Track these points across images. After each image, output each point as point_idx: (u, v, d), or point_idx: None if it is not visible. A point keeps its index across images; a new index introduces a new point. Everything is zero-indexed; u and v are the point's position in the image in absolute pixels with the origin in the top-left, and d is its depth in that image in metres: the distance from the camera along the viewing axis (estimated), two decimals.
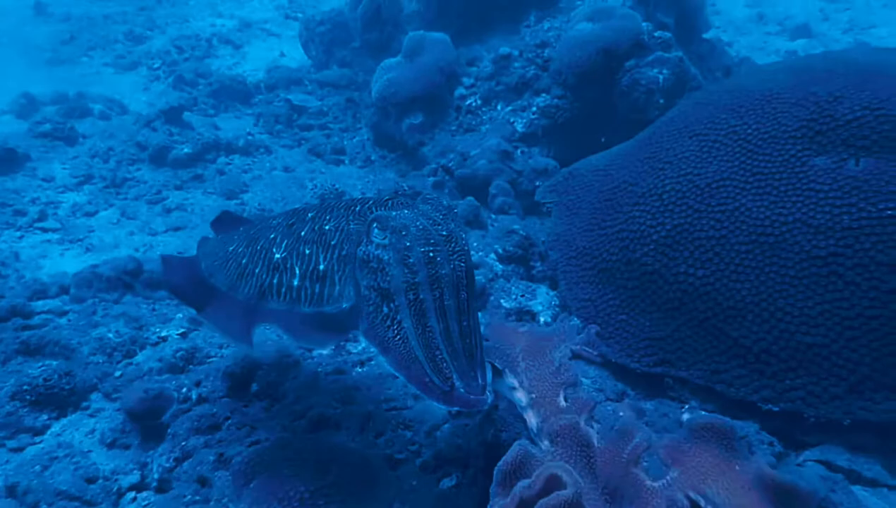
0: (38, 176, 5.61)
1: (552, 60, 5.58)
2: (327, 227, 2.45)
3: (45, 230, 5.05)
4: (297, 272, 2.43)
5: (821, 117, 3.39)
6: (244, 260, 2.61)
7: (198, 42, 8.90)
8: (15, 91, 7.28)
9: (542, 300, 3.82)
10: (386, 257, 2.24)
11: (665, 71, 4.96)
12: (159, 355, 3.40)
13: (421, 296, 2.20)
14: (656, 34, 5.21)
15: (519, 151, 5.51)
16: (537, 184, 5.31)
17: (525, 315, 3.72)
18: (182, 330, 3.71)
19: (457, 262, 2.26)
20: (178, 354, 3.38)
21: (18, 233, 4.98)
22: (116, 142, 6.10)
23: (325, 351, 3.53)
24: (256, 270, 2.54)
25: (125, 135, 6.19)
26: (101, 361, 3.39)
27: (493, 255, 4.30)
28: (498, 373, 2.62)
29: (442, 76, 5.74)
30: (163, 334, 3.68)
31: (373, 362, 3.45)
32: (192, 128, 6.36)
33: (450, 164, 5.54)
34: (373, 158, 6.32)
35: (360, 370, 3.40)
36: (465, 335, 2.21)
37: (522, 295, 3.86)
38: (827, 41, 8.72)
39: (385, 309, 2.23)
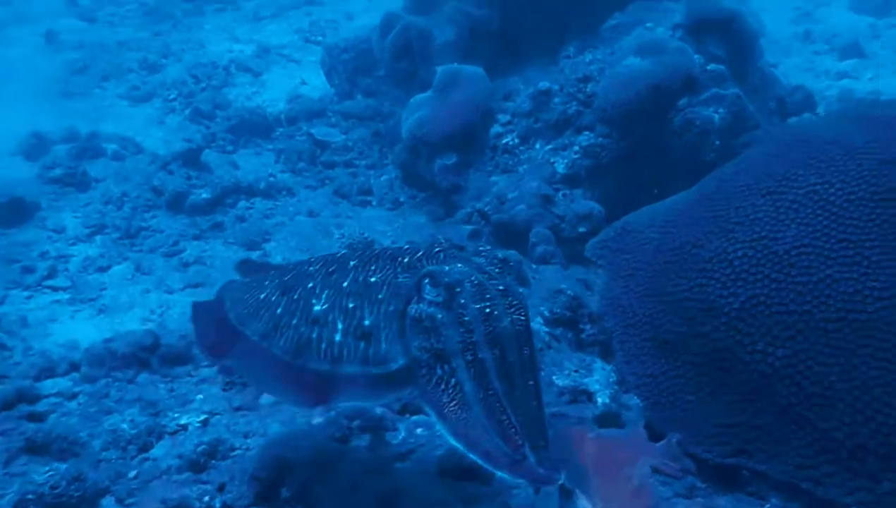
0: (48, 226, 5.39)
1: (596, 96, 5.29)
2: (373, 279, 2.32)
3: (54, 289, 4.83)
4: (340, 327, 2.29)
5: None
6: (279, 310, 2.44)
7: (214, 70, 8.69)
8: (25, 126, 7.07)
9: (599, 377, 3.51)
10: (440, 316, 2.14)
11: (721, 110, 4.66)
12: (179, 450, 3.13)
13: (480, 356, 2.10)
14: (709, 67, 4.91)
15: (560, 194, 5.23)
16: (581, 229, 5.03)
17: (581, 395, 3.41)
18: (203, 416, 3.43)
19: (515, 316, 2.16)
20: (200, 448, 3.10)
21: (26, 294, 4.76)
22: (131, 186, 5.87)
23: (363, 442, 3.22)
24: (293, 322, 2.38)
25: (140, 178, 5.96)
26: (114, 458, 3.12)
27: (539, 319, 4.00)
28: (567, 494, 2.31)
29: (477, 114, 5.48)
30: (182, 421, 3.40)
31: (414, 455, 3.15)
32: (211, 170, 6.13)
33: (486, 208, 5.27)
34: (402, 200, 6.05)
35: (401, 465, 3.10)
36: (532, 397, 2.11)
37: (576, 371, 3.56)
38: (880, 61, 8.34)
39: (439, 371, 2.13)
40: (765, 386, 3.05)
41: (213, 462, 3.11)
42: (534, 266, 4.91)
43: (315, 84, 8.47)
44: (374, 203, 6.06)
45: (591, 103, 5.32)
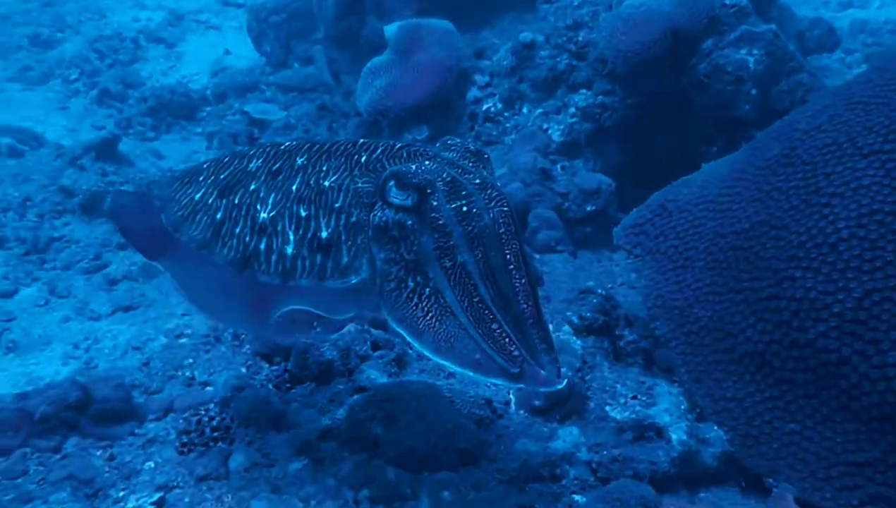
0: None
1: (591, 46, 4.61)
2: (327, 183, 2.12)
3: None
4: (292, 238, 2.13)
5: None
6: (219, 216, 2.26)
7: (121, 43, 7.71)
8: None
9: (667, 404, 2.87)
10: (409, 222, 1.97)
11: (755, 51, 4.03)
12: None
13: (460, 260, 1.93)
14: (728, 2, 4.24)
15: (559, 166, 4.54)
16: (588, 208, 4.40)
17: (648, 431, 2.76)
18: (158, 495, 2.68)
19: (496, 210, 1.97)
20: None
21: None
22: (34, 189, 4.98)
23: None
24: (237, 230, 2.21)
25: (45, 178, 5.06)
26: None
27: (566, 328, 3.34)
28: None
29: (451, 77, 4.75)
30: (130, 505, 2.64)
31: None
32: (131, 163, 5.28)
33: None
34: None
35: None
36: (523, 297, 1.94)
37: (635, 397, 2.91)
38: None
39: (410, 284, 1.97)
40: None
41: None
42: (537, 256, 4.25)
43: (241, 52, 7.61)
44: None
45: (587, 55, 4.64)
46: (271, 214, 2.17)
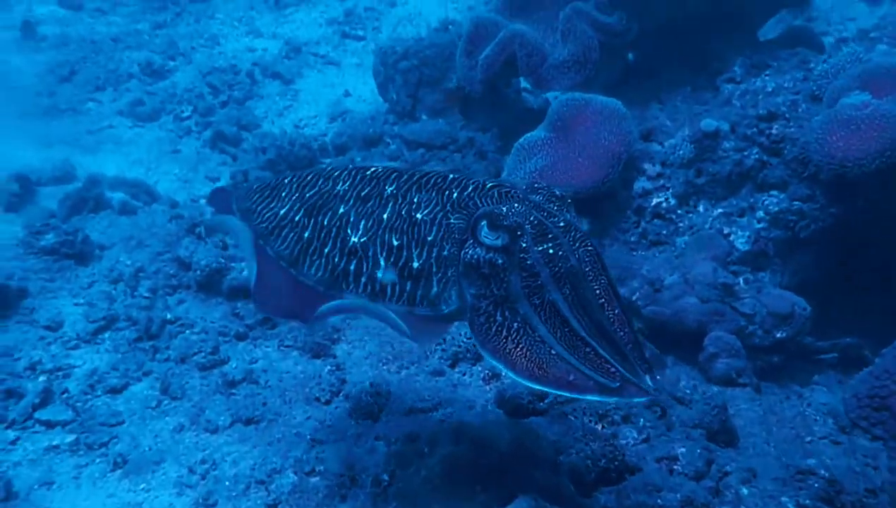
0: (39, 322, 4.27)
1: (788, 141, 4.13)
2: (419, 216, 2.33)
3: (50, 425, 3.74)
4: (383, 264, 2.35)
5: None
6: (306, 234, 2.49)
7: (236, 77, 7.50)
8: (4, 159, 5.94)
9: None
10: (500, 261, 2.17)
11: None
12: None
13: (549, 298, 2.13)
14: None
15: (741, 280, 4.07)
16: (778, 335, 3.91)
17: None
18: None
19: (581, 250, 2.18)
20: None
21: (12, 435, 3.64)
22: (147, 256, 4.74)
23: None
24: (325, 250, 2.44)
25: (159, 244, 4.83)
26: None
27: None
28: None
29: (619, 166, 4.31)
30: None
31: None
32: None
33: (634, 297, 4.14)
34: None
35: None
36: (619, 326, 2.12)
37: None
38: None
39: (499, 318, 2.16)
40: None
41: None
42: (714, 388, 3.80)
43: (362, 94, 7.31)
44: None
45: (782, 152, 4.18)
46: (362, 239, 2.38)
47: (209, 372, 4.03)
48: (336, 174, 2.61)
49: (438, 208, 2.32)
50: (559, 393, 2.07)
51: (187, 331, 4.28)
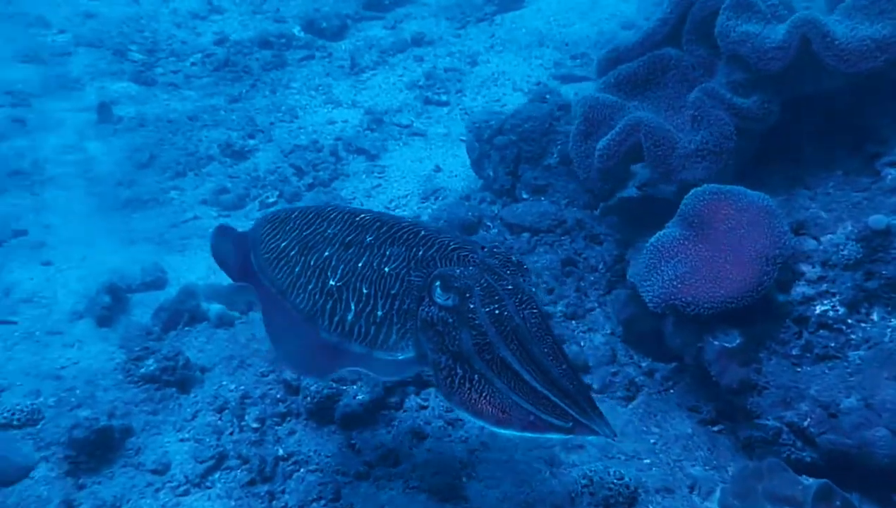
0: (145, 465, 4.06)
1: None
2: (387, 270, 2.65)
3: None
4: (353, 308, 2.67)
5: None
6: (297, 269, 2.87)
7: (319, 154, 7.28)
8: (87, 264, 5.81)
9: None
10: (451, 320, 2.43)
11: None
12: None
13: (500, 354, 2.36)
14: None
15: None
16: None
17: None
18: None
19: (527, 312, 2.42)
20: None
21: None
22: (251, 380, 4.51)
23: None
24: (309, 287, 2.80)
25: (262, 362, 4.61)
26: None
27: None
28: None
29: (772, 270, 3.92)
30: None
31: None
32: None
33: (805, 424, 3.76)
34: (638, 380, 4.54)
35: None
36: (568, 379, 2.33)
37: None
38: None
39: (460, 371, 2.41)
40: None
41: None
42: None
43: (452, 168, 7.03)
44: (594, 385, 4.55)
45: None
46: (338, 284, 2.72)
47: None
48: (332, 215, 2.98)
49: (404, 264, 2.63)
50: (523, 434, 2.30)
51: (302, 470, 4.01)
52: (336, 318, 2.67)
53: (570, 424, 2.26)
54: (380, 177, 7.03)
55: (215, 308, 5.03)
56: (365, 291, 2.64)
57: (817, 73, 4.33)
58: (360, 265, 2.70)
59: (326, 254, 2.81)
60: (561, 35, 9.30)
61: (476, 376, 2.36)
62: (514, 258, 2.60)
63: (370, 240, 2.75)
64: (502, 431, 2.30)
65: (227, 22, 10.43)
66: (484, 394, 2.33)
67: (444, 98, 8.20)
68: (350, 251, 2.76)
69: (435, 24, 9.96)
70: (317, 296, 2.74)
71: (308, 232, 2.95)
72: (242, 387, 4.46)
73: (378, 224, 2.82)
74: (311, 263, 2.82)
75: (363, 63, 9.06)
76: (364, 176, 7.06)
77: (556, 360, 2.35)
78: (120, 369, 4.57)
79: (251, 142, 7.64)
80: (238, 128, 7.88)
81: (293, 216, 3.11)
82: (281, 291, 2.85)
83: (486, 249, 2.61)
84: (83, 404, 4.30)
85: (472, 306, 2.39)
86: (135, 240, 6.23)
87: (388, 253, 2.68)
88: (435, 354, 2.45)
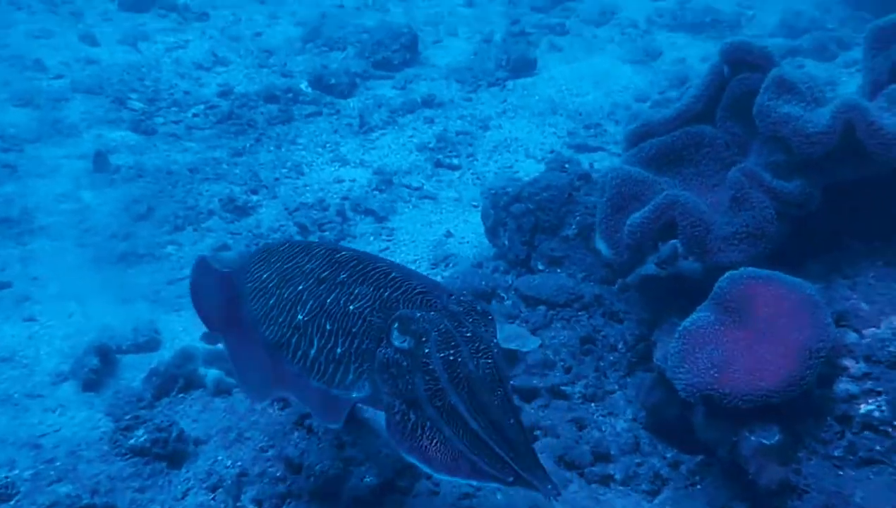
0: None
1: None
2: (351, 308, 2.68)
3: None
4: (315, 344, 2.73)
5: None
6: (271, 301, 2.93)
7: (325, 214, 7.08)
8: (76, 322, 5.55)
9: None
10: (405, 363, 2.48)
11: None
12: None
13: (450, 401, 2.40)
14: None
15: None
16: None
17: None
18: None
19: (482, 360, 2.44)
20: None
21: None
22: (249, 455, 4.23)
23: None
24: (280, 319, 2.86)
25: (262, 436, 4.32)
26: None
27: None
28: None
29: (816, 365, 3.71)
30: None
31: None
32: (361, 423, 4.43)
33: None
34: (663, 473, 4.30)
35: None
36: (514, 433, 2.37)
37: None
38: None
39: (413, 417, 2.45)
40: None
41: None
42: None
43: (463, 234, 6.84)
44: (616, 476, 4.29)
45: None
46: (305, 319, 2.77)
47: None
48: (315, 251, 3.00)
49: (368, 304, 2.66)
50: (469, 482, 2.40)
51: None
52: (300, 353, 2.73)
53: (511, 478, 2.30)
54: (388, 240, 6.83)
55: (213, 373, 4.76)
56: (328, 328, 2.69)
57: (859, 159, 4.18)
58: (328, 301, 2.74)
59: (300, 287, 2.85)
60: (574, 104, 9.23)
61: (428, 423, 2.40)
62: (479, 307, 2.63)
63: (343, 278, 2.77)
64: (450, 478, 2.36)
65: (231, 74, 10.28)
66: (434, 441, 2.37)
67: (455, 161, 8.04)
68: (322, 287, 2.79)
69: (445, 86, 9.88)
70: (285, 329, 2.80)
71: (289, 265, 2.99)
72: (239, 463, 4.17)
73: (354, 262, 2.84)
74: (285, 296, 2.87)
75: (372, 122, 8.92)
76: (371, 238, 6.86)
77: (505, 412, 2.38)
78: (106, 439, 4.27)
79: (254, 197, 7.44)
80: (241, 182, 7.69)
81: (281, 249, 3.17)
82: (255, 321, 2.92)
83: (452, 296, 2.62)
84: (64, 478, 3.99)
85: (426, 350, 2.42)
86: (128, 297, 5.96)
87: (356, 291, 2.70)
88: (389, 397, 2.49)
